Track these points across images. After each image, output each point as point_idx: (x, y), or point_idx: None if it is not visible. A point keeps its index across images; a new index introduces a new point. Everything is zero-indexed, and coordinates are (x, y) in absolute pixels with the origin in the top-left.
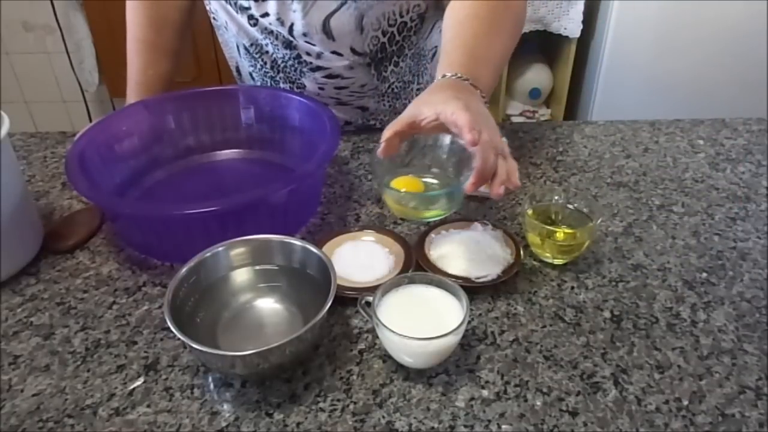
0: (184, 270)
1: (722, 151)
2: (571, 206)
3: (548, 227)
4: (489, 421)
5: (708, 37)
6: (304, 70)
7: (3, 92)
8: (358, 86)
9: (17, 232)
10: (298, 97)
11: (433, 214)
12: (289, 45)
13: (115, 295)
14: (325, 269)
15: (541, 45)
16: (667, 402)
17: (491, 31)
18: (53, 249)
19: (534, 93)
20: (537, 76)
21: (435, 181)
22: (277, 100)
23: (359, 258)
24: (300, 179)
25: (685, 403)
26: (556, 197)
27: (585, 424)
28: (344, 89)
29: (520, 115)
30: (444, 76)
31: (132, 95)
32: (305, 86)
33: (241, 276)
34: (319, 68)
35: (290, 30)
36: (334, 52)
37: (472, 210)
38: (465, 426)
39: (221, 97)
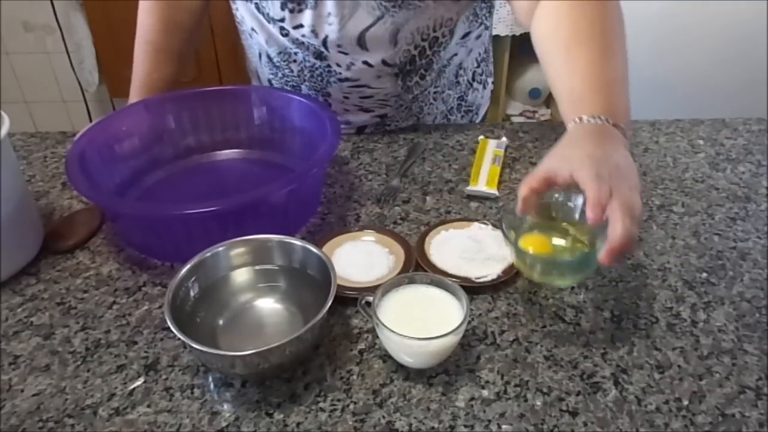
0: (184, 270)
1: (722, 151)
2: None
3: None
4: (489, 421)
5: (708, 37)
6: (332, 79)
7: (3, 92)
8: (382, 95)
9: (17, 232)
10: (298, 97)
11: (561, 282)
12: (319, 56)
13: (115, 295)
14: (325, 269)
15: None
16: (667, 402)
17: (608, 46)
18: (53, 249)
19: (534, 93)
20: (537, 76)
21: (564, 242)
22: (278, 100)
23: (359, 258)
24: (300, 179)
25: (685, 403)
26: (557, 196)
27: (585, 424)
28: (369, 98)
29: (520, 115)
30: (580, 119)
31: (135, 96)
32: (330, 95)
33: (241, 276)
34: (347, 79)
35: (324, 41)
36: (365, 63)
37: (472, 210)
38: (465, 426)
39: (221, 96)
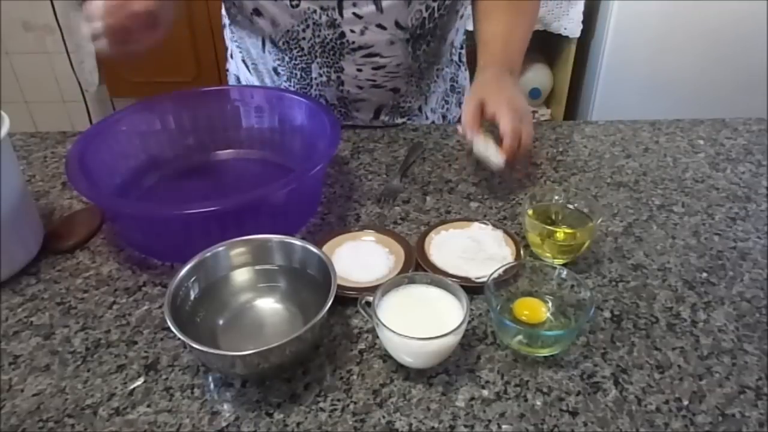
0: (184, 270)
1: (722, 151)
2: (571, 206)
3: (548, 227)
4: (489, 421)
5: (708, 37)
6: (345, 51)
7: (3, 92)
8: (393, 65)
9: (17, 232)
10: (299, 98)
11: (542, 352)
12: (332, 24)
13: (115, 295)
14: (325, 269)
15: (541, 45)
16: (667, 402)
17: (518, 20)
18: (53, 249)
19: (534, 93)
20: (537, 76)
21: (546, 312)
22: (278, 100)
23: (359, 258)
24: (300, 179)
25: (685, 403)
26: (556, 197)
27: (585, 424)
28: (381, 69)
29: None
30: (486, 65)
31: None
32: (343, 69)
33: (241, 276)
34: (360, 47)
35: (339, 3)
36: (378, 26)
37: (472, 210)
38: (465, 426)
39: (221, 97)
